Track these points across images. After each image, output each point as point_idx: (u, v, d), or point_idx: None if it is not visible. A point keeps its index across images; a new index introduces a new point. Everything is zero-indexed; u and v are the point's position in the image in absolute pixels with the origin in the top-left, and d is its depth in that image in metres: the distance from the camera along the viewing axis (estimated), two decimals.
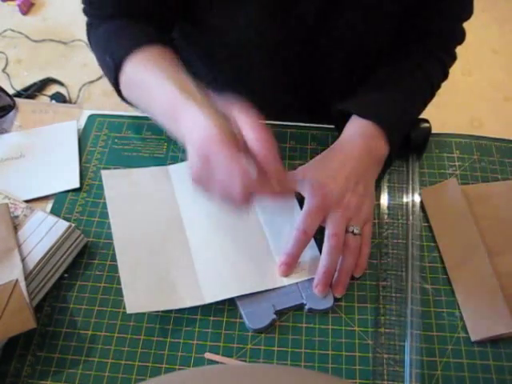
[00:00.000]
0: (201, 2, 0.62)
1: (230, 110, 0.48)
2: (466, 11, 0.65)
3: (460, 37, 0.69)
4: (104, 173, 0.61)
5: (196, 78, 0.58)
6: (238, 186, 0.44)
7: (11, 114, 0.69)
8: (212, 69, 0.74)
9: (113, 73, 0.57)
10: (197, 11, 0.64)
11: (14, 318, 0.48)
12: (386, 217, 0.59)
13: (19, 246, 0.52)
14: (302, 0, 0.59)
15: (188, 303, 0.52)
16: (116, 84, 0.58)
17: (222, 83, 0.74)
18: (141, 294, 0.52)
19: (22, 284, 0.49)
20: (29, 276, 0.51)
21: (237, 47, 0.67)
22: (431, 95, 0.67)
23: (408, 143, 0.63)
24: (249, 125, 0.46)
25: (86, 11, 0.64)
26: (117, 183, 0.60)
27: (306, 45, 0.65)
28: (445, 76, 0.69)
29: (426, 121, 0.64)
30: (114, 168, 0.63)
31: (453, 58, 0.70)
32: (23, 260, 0.52)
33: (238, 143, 0.45)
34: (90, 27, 0.64)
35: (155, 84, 0.53)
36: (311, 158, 0.60)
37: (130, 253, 0.55)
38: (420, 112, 0.66)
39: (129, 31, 0.60)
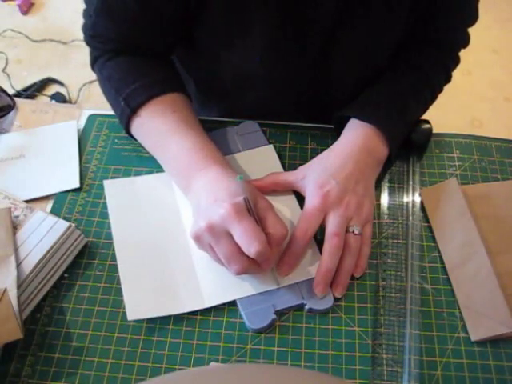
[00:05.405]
0: (204, 31, 0.61)
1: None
2: (471, 17, 0.64)
3: (464, 42, 0.68)
4: (106, 182, 0.61)
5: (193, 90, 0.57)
6: (234, 269, 0.50)
7: (11, 114, 0.69)
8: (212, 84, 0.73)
9: (126, 118, 0.60)
10: (200, 39, 0.63)
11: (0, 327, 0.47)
12: (385, 217, 0.59)
13: (18, 248, 0.52)
14: (308, 27, 0.59)
15: (188, 308, 0.52)
16: (127, 123, 0.60)
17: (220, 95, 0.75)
18: (142, 300, 0.52)
19: (13, 293, 0.49)
20: (28, 276, 0.51)
21: (239, 76, 0.66)
22: (432, 98, 0.66)
23: (409, 144, 0.63)
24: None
25: (88, 42, 0.63)
26: (119, 193, 0.60)
27: (310, 70, 0.65)
28: (447, 80, 0.68)
29: (427, 122, 0.64)
30: (114, 168, 0.63)
31: (456, 62, 0.69)
32: (22, 260, 0.51)
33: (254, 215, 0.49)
34: (95, 60, 0.64)
35: (171, 136, 0.57)
36: (311, 158, 0.60)
37: (132, 260, 0.55)
38: (420, 115, 0.65)
39: (142, 72, 0.61)
